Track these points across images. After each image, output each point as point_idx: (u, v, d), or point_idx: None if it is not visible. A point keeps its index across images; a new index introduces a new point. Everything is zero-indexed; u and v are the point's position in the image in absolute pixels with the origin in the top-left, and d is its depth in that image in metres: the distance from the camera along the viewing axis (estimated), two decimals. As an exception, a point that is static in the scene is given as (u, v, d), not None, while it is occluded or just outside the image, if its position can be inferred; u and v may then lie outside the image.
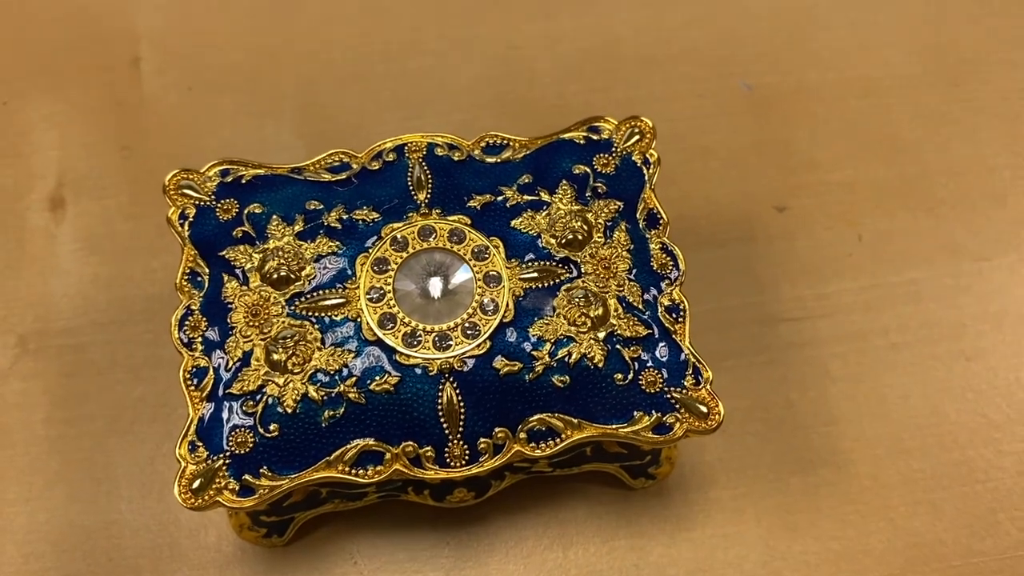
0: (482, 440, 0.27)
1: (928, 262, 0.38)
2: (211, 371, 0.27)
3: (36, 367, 0.34)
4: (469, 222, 0.29)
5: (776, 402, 0.35)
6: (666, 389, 0.28)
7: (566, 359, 0.27)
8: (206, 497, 0.26)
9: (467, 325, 0.27)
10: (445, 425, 0.26)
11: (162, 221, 0.31)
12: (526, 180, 0.30)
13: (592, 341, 0.27)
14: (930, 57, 0.43)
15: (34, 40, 0.40)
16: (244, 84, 0.40)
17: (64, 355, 0.35)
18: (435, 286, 0.28)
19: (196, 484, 0.26)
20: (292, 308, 0.27)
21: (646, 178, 0.31)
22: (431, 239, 0.28)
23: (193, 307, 0.28)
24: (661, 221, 0.30)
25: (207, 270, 0.29)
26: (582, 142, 0.31)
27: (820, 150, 0.40)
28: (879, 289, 0.37)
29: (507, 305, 0.28)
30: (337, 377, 0.26)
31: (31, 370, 0.34)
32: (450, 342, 0.27)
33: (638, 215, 0.30)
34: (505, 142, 0.31)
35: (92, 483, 0.33)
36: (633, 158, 0.31)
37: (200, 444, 0.26)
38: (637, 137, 0.31)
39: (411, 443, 0.26)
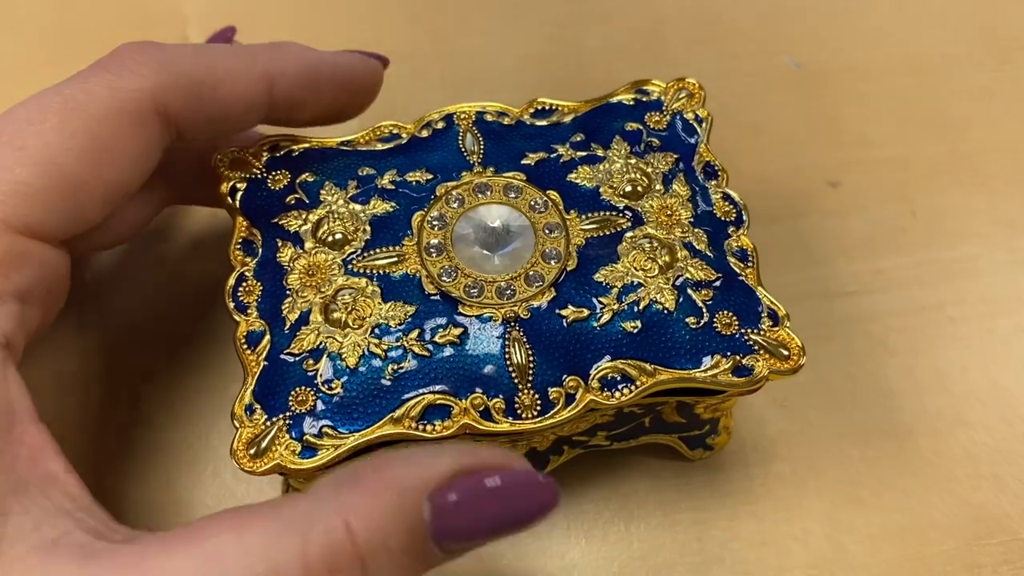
0: (553, 389, 0.25)
1: (983, 237, 0.38)
2: (267, 334, 0.26)
3: (92, 345, 0.34)
4: (524, 178, 0.29)
5: (835, 375, 0.35)
6: (743, 331, 0.26)
7: (635, 304, 0.26)
8: (267, 459, 0.24)
9: (530, 274, 0.27)
10: (514, 375, 0.25)
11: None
12: (579, 138, 0.30)
13: (662, 285, 0.27)
14: (978, 35, 0.43)
15: (83, 23, 0.41)
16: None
17: (119, 334, 0.35)
18: (494, 239, 0.27)
19: (255, 448, 0.25)
20: (349, 267, 0.27)
21: (700, 133, 0.30)
22: (487, 194, 0.28)
23: (247, 273, 0.28)
24: (720, 173, 0.30)
25: (260, 237, 0.28)
26: (631, 103, 0.31)
27: (870, 127, 0.40)
28: (935, 264, 0.37)
29: (570, 253, 0.27)
30: (399, 331, 0.26)
31: (87, 348, 0.34)
32: (513, 291, 0.26)
33: (695, 167, 0.30)
34: (554, 107, 0.31)
35: (146, 461, 0.32)
36: (685, 115, 0.31)
37: (258, 406, 0.25)
38: (686, 98, 0.31)
39: (479, 395, 0.25)
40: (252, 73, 0.27)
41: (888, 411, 0.34)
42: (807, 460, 0.33)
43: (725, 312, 0.27)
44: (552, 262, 0.27)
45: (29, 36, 0.40)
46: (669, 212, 0.28)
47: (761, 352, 0.26)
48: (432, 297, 0.26)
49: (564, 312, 0.26)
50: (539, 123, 0.31)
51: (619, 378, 0.26)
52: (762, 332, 0.27)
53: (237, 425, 0.25)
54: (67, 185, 0.24)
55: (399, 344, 0.26)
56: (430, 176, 0.29)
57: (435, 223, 0.28)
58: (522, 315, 0.26)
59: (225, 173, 0.29)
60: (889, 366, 0.35)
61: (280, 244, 0.28)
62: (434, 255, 0.27)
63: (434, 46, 0.41)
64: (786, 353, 0.26)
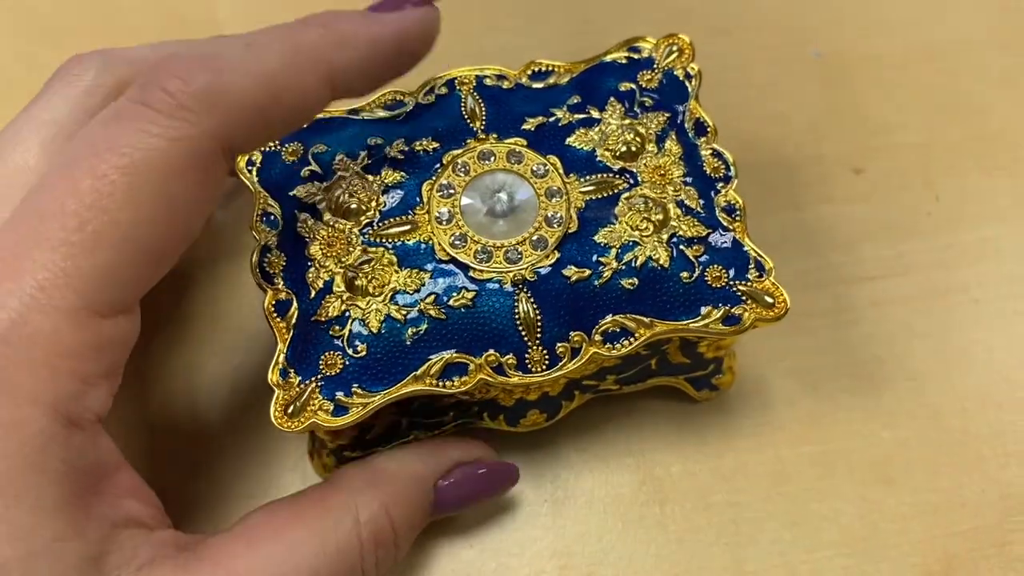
0: (559, 345, 0.28)
1: (1007, 219, 0.38)
2: (294, 302, 0.28)
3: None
4: (525, 143, 0.30)
5: (863, 358, 0.35)
6: (731, 283, 0.29)
7: (632, 263, 0.28)
8: (302, 419, 0.26)
9: (535, 239, 0.29)
10: (523, 333, 0.28)
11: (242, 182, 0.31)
12: (575, 100, 0.31)
13: (656, 243, 0.29)
14: (997, 20, 0.43)
15: (120, 26, 0.42)
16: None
17: (162, 330, 0.36)
18: (500, 205, 0.29)
19: (291, 408, 0.27)
20: (366, 236, 0.29)
21: (690, 90, 0.32)
22: (491, 161, 0.30)
23: (270, 244, 0.29)
24: (709, 129, 0.31)
25: (279, 209, 0.30)
26: (624, 62, 0.33)
27: (892, 113, 0.41)
28: (959, 247, 0.38)
29: (571, 217, 0.29)
30: (416, 296, 0.28)
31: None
32: (520, 255, 0.28)
33: (686, 125, 0.31)
34: (551, 68, 0.33)
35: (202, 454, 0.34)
36: (675, 73, 0.32)
37: (291, 371, 0.27)
38: (676, 53, 0.33)
39: (493, 352, 0.28)
40: (314, 78, 0.25)
41: (916, 392, 0.35)
42: (837, 441, 0.34)
43: (715, 266, 0.29)
44: (555, 226, 0.29)
45: (65, 41, 0.41)
46: (662, 172, 0.30)
47: (748, 302, 0.28)
48: (444, 263, 0.28)
49: (567, 273, 0.28)
50: (537, 86, 0.32)
51: (619, 331, 0.28)
52: (749, 283, 0.29)
53: (274, 389, 0.27)
54: (142, 257, 0.23)
55: (417, 308, 0.28)
56: (436, 144, 0.30)
57: (443, 192, 0.29)
58: (529, 278, 0.28)
59: None
60: (916, 348, 0.36)
61: (299, 215, 0.29)
62: (444, 223, 0.29)
63: (463, 45, 0.41)
64: (771, 301, 0.28)
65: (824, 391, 0.35)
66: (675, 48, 0.33)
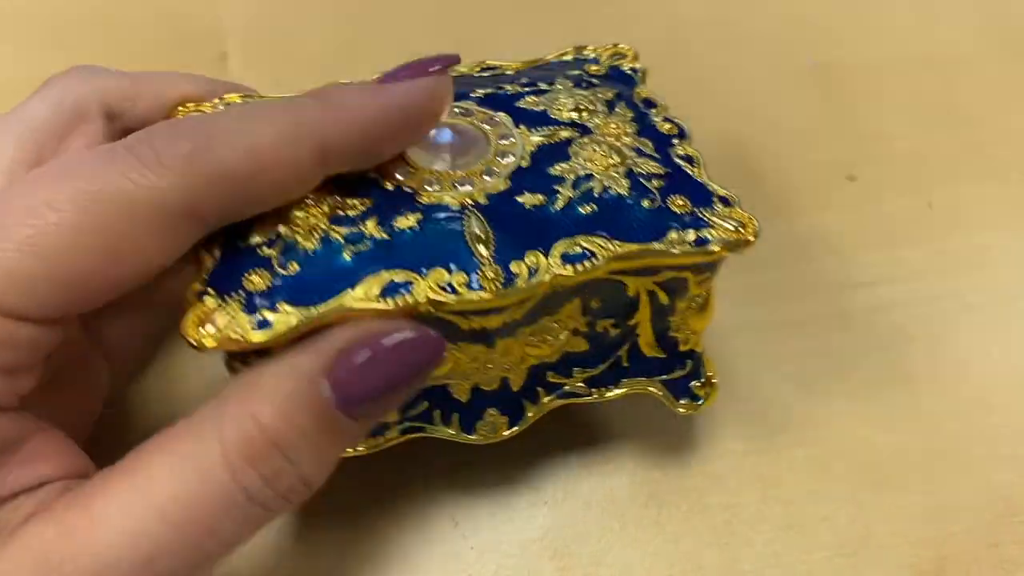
0: (514, 262, 0.25)
1: (999, 227, 0.39)
2: (222, 235, 0.25)
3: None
4: (475, 104, 0.30)
5: (858, 363, 0.36)
6: (697, 211, 0.27)
7: (590, 192, 0.27)
8: (217, 333, 0.23)
9: (486, 169, 0.27)
10: (474, 252, 0.25)
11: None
12: (524, 80, 0.31)
13: (614, 175, 0.27)
14: (990, 32, 0.44)
15: (127, 41, 0.42)
16: (327, 75, 0.41)
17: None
18: (450, 150, 0.28)
19: (207, 324, 0.23)
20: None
21: (636, 79, 0.32)
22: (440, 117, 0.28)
23: None
24: (659, 103, 0.31)
25: None
26: (570, 59, 0.33)
27: (886, 122, 0.41)
28: (952, 253, 0.38)
29: (524, 155, 0.28)
30: (358, 218, 0.25)
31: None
32: (471, 184, 0.27)
33: (635, 100, 0.31)
34: (499, 66, 0.33)
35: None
36: (621, 68, 0.33)
37: (211, 290, 0.24)
38: (620, 58, 0.33)
39: (440, 269, 0.25)
40: (304, 154, 0.24)
41: (911, 396, 0.35)
42: (832, 444, 0.34)
43: (678, 196, 0.27)
44: (507, 159, 0.27)
45: (66, 41, 0.42)
46: (615, 127, 0.29)
47: (717, 225, 0.27)
48: (391, 191, 0.26)
49: (521, 199, 0.26)
50: (486, 75, 0.32)
51: (580, 252, 0.26)
52: (716, 212, 0.27)
53: (187, 307, 0.24)
54: (71, 280, 0.22)
55: (358, 229, 0.25)
56: None
57: None
58: (480, 201, 0.26)
59: None
60: (910, 353, 0.36)
61: None
62: (390, 162, 0.27)
63: (463, 57, 0.42)
64: (740, 226, 0.27)
65: (819, 395, 0.35)
66: (619, 55, 0.33)
